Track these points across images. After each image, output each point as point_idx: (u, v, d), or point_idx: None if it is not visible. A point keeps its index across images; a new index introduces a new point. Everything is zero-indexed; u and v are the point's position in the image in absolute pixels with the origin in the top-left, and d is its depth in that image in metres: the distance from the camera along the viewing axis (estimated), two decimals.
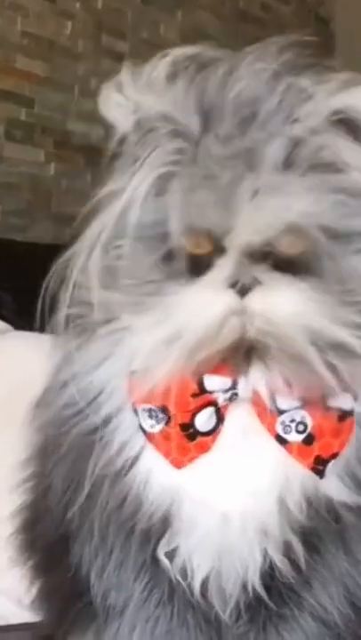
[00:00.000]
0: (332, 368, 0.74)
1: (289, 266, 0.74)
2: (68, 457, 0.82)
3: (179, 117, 0.76)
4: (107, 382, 0.80)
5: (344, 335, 0.73)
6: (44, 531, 0.88)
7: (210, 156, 0.74)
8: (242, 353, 0.76)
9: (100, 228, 0.77)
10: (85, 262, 0.77)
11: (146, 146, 0.76)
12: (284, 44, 0.80)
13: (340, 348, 0.73)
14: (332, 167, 0.75)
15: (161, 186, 0.75)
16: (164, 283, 0.75)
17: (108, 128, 0.79)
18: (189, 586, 0.81)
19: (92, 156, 3.17)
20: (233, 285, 0.73)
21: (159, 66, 0.78)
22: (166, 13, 3.45)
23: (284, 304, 0.73)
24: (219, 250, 0.74)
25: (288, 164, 0.74)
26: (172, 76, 0.77)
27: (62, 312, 0.78)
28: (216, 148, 0.74)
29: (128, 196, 0.75)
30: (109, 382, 0.80)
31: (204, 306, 0.73)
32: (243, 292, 0.73)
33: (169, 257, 0.76)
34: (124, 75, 0.77)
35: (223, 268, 0.74)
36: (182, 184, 0.73)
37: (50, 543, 0.88)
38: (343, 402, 0.78)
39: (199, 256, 0.75)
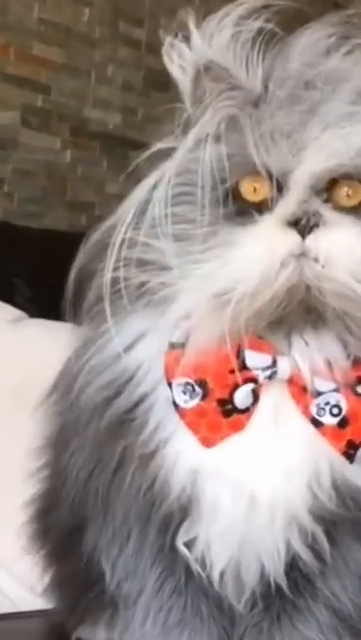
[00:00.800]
0: None
1: (351, 211, 0.73)
2: (92, 442, 0.81)
3: (242, 69, 0.75)
4: (145, 358, 0.78)
5: None
6: (58, 520, 0.88)
7: (275, 95, 0.73)
8: (296, 312, 0.74)
9: (152, 181, 0.75)
10: (136, 217, 0.75)
11: (209, 95, 0.75)
12: (343, 17, 0.79)
13: None
14: None
15: (225, 129, 0.73)
16: (221, 226, 0.73)
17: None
18: (208, 576, 0.80)
19: (108, 144, 3.17)
20: (296, 223, 0.71)
21: (226, 17, 0.76)
22: (184, 0, 3.43)
23: (346, 247, 0.71)
24: (280, 192, 0.72)
25: (357, 102, 0.73)
26: (238, 29, 0.76)
27: (108, 274, 0.76)
28: (281, 89, 0.73)
29: (195, 135, 0.74)
30: (148, 358, 0.78)
31: (264, 247, 0.71)
32: (305, 230, 0.71)
33: (229, 202, 0.74)
34: (191, 24, 0.76)
35: (286, 206, 0.72)
36: (249, 122, 0.72)
37: (63, 532, 0.88)
38: None
39: (258, 202, 0.73)
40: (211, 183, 0.73)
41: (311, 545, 0.79)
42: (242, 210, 0.73)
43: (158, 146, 0.77)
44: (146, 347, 0.78)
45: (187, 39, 0.76)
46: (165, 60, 0.77)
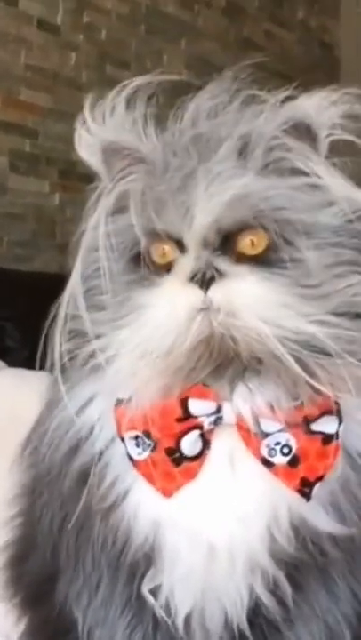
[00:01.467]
0: (306, 367, 0.73)
1: (251, 260, 0.75)
2: (60, 495, 0.82)
3: (139, 145, 0.79)
4: (98, 418, 0.80)
5: (313, 330, 0.73)
6: (31, 568, 0.89)
7: (164, 170, 0.76)
8: (217, 364, 0.76)
9: (78, 259, 0.79)
10: (72, 291, 0.79)
11: (112, 173, 0.80)
12: (239, 72, 0.82)
13: (311, 345, 0.73)
14: (283, 166, 0.77)
15: (125, 201, 0.77)
16: (133, 292, 0.77)
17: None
18: (173, 623, 0.80)
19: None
20: (194, 278, 0.74)
21: (117, 97, 0.80)
22: (170, 43, 3.47)
23: (246, 294, 0.74)
24: (181, 252, 0.75)
25: (241, 158, 0.76)
26: (130, 106, 0.80)
27: (57, 349, 0.79)
28: (165, 153, 0.77)
29: (96, 216, 0.79)
30: (100, 418, 0.80)
31: (168, 304, 0.74)
32: (205, 284, 0.74)
33: (139, 268, 0.77)
34: (86, 111, 0.80)
35: (185, 264, 0.75)
36: (142, 195, 0.76)
37: (36, 580, 0.89)
38: (326, 425, 0.78)
39: (167, 264, 0.76)
40: (116, 255, 0.78)
41: (273, 590, 0.79)
42: (151, 274, 0.77)
43: (84, 227, 0.81)
44: (96, 408, 0.80)
45: (87, 127, 0.80)
46: (77, 150, 0.82)
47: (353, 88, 0.79)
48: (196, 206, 0.74)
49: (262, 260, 0.75)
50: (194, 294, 0.73)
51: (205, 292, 0.73)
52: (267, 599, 0.79)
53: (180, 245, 0.75)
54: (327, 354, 0.73)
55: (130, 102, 0.80)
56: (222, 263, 0.75)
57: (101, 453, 0.80)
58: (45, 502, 0.84)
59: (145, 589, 0.80)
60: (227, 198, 0.73)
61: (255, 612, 0.80)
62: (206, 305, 0.73)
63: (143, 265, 0.77)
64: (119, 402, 0.78)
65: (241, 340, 0.74)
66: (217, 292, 0.73)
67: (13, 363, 1.71)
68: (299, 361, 0.73)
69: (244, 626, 0.80)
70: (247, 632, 0.80)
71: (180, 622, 0.80)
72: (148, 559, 0.79)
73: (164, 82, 0.81)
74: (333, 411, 0.77)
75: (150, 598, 0.80)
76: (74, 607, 0.84)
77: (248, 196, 0.74)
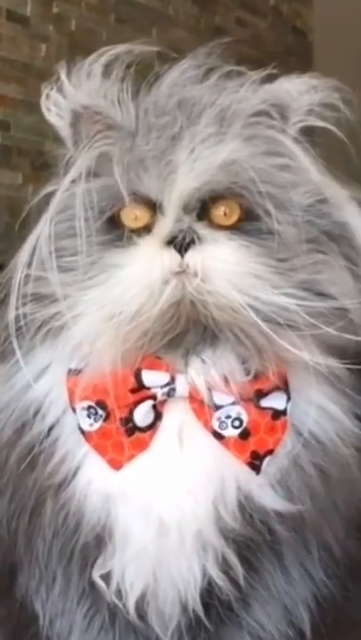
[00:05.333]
0: (268, 338, 0.74)
1: (229, 228, 0.76)
2: (10, 481, 0.81)
3: (114, 109, 0.79)
4: (49, 391, 0.80)
5: (285, 301, 0.74)
6: None
7: (142, 127, 0.77)
8: (191, 332, 0.76)
9: (45, 219, 0.78)
10: (33, 253, 0.78)
11: (84, 136, 0.79)
12: (213, 49, 0.82)
13: (279, 316, 0.74)
14: (258, 143, 0.77)
15: (101, 164, 0.77)
16: (104, 253, 0.76)
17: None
18: (125, 607, 0.80)
19: None
20: (173, 242, 0.74)
21: (94, 63, 0.80)
22: (141, 32, 3.43)
23: (223, 260, 0.74)
24: (157, 214, 0.76)
25: (221, 124, 0.77)
26: (107, 73, 0.80)
27: (12, 313, 0.77)
28: (146, 119, 0.77)
29: (71, 175, 0.77)
30: (52, 390, 0.80)
31: (144, 266, 0.74)
32: (183, 248, 0.74)
33: (110, 230, 0.77)
34: (62, 74, 0.81)
35: (163, 227, 0.75)
36: (122, 157, 0.76)
37: None
38: (276, 401, 0.79)
39: (140, 228, 0.76)
40: (90, 215, 0.77)
41: (226, 570, 0.79)
42: (123, 236, 0.76)
43: (47, 189, 0.81)
44: (50, 378, 0.80)
45: (60, 88, 0.81)
46: (43, 110, 0.81)
47: (331, 78, 0.80)
48: (180, 169, 0.73)
49: (240, 229, 0.76)
50: (170, 257, 0.74)
51: (182, 256, 0.74)
52: (219, 579, 0.79)
53: (158, 208, 0.75)
54: (294, 326, 0.74)
55: (107, 69, 0.80)
56: (202, 228, 0.75)
57: (51, 428, 0.79)
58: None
59: (96, 575, 0.80)
60: (216, 163, 0.73)
61: (210, 593, 0.80)
62: (182, 268, 0.73)
63: (116, 227, 0.77)
64: (72, 372, 0.78)
65: (212, 305, 0.74)
66: (195, 256, 0.74)
67: None
68: (268, 330, 0.74)
69: (199, 608, 0.80)
70: (202, 615, 0.80)
71: (131, 606, 0.80)
72: (99, 541, 0.79)
73: (140, 54, 0.81)
74: (283, 388, 0.78)
75: (101, 583, 0.80)
76: (34, 600, 0.84)
77: (235, 163, 0.74)
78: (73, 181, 0.77)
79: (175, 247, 0.74)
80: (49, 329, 0.77)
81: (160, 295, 0.73)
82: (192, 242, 0.74)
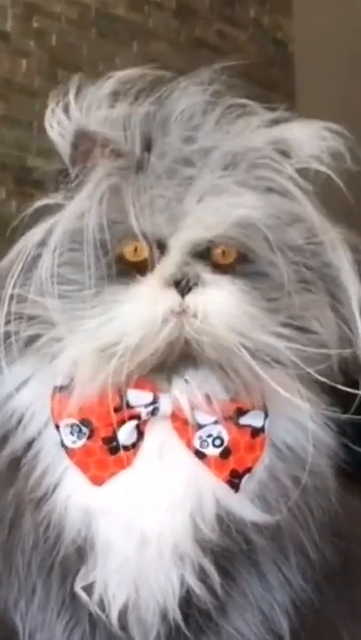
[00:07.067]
0: (255, 374, 0.77)
1: (227, 270, 0.78)
2: None
3: (120, 138, 0.79)
4: (30, 403, 0.81)
5: (274, 341, 0.77)
6: None
7: (155, 168, 0.78)
8: (172, 359, 0.78)
9: (38, 237, 0.79)
10: (23, 273, 0.79)
11: (89, 163, 0.80)
12: (217, 70, 0.84)
13: (267, 355, 0.77)
14: (262, 183, 0.80)
15: (108, 195, 0.78)
16: (105, 287, 0.77)
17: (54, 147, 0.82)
18: (108, 617, 0.81)
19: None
20: (176, 284, 0.76)
21: (103, 87, 0.81)
22: (122, 45, 3.44)
23: (223, 304, 0.76)
24: (160, 253, 0.77)
25: (231, 167, 0.79)
26: (115, 98, 0.81)
27: (0, 329, 0.78)
28: (160, 161, 0.78)
29: (78, 205, 0.78)
30: (33, 403, 0.81)
31: (146, 304, 0.76)
32: (185, 290, 0.76)
33: (110, 263, 0.78)
34: (71, 95, 0.81)
35: (166, 267, 0.77)
36: (130, 192, 0.76)
37: None
38: (254, 419, 0.81)
39: (138, 262, 0.78)
40: (95, 247, 0.77)
41: (204, 579, 0.81)
42: (124, 271, 0.78)
43: (44, 201, 0.82)
44: (29, 392, 0.81)
45: (65, 107, 0.81)
46: (46, 126, 0.82)
47: (339, 126, 0.83)
48: (191, 217, 0.76)
49: (236, 269, 0.78)
50: (172, 298, 0.76)
51: (183, 297, 0.76)
52: (198, 588, 0.80)
53: (161, 246, 0.77)
54: (281, 364, 0.78)
55: (115, 94, 0.81)
56: (203, 271, 0.77)
57: (32, 441, 0.81)
58: None
59: (78, 587, 0.80)
60: (230, 219, 0.76)
61: (188, 602, 0.81)
62: (182, 308, 0.76)
63: (117, 260, 0.78)
64: (57, 389, 0.79)
65: (207, 345, 0.76)
66: (196, 298, 0.76)
67: None
68: (258, 369, 0.77)
69: (179, 617, 0.81)
70: (182, 624, 0.81)
71: (114, 616, 0.80)
72: (81, 553, 0.80)
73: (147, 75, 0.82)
74: (260, 406, 0.80)
75: (83, 594, 0.81)
76: (13, 613, 0.84)
77: (249, 221, 0.76)
78: (81, 210, 0.78)
79: (177, 288, 0.76)
80: (37, 347, 0.79)
81: (159, 333, 0.76)
82: (195, 284, 0.77)
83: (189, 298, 0.76)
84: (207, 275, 0.77)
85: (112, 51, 3.40)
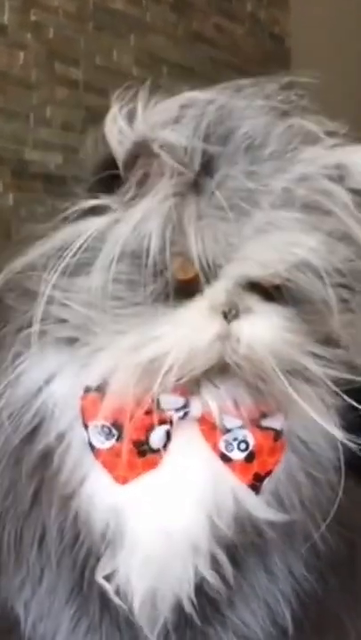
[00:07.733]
0: (288, 395, 0.79)
1: (271, 297, 0.79)
2: (11, 479, 0.82)
3: (181, 154, 0.78)
4: (58, 398, 0.81)
5: (309, 363, 0.79)
6: None
7: (215, 196, 0.77)
8: (208, 374, 0.80)
9: (86, 242, 0.78)
10: (66, 277, 0.78)
11: (146, 175, 0.79)
12: (282, 84, 0.84)
13: (301, 375, 0.79)
14: (317, 210, 0.79)
15: (170, 217, 0.77)
16: (151, 305, 0.78)
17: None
18: (130, 608, 0.83)
19: (51, 184, 3.15)
20: (224, 312, 0.77)
21: (170, 103, 0.79)
22: (119, 38, 3.44)
23: (268, 334, 0.78)
24: (207, 277, 0.78)
25: (289, 202, 0.78)
26: (181, 114, 0.79)
27: (35, 327, 0.79)
28: (221, 191, 0.77)
29: (138, 222, 0.77)
30: (61, 398, 0.81)
31: (194, 330, 0.77)
32: (232, 318, 0.77)
33: (158, 282, 0.79)
34: (139, 104, 0.79)
35: (216, 295, 0.78)
36: (190, 214, 0.76)
37: None
38: (275, 422, 0.83)
39: (186, 282, 0.78)
40: (153, 267, 0.78)
41: (217, 569, 0.83)
42: (171, 290, 0.79)
43: (92, 202, 0.81)
44: (60, 385, 0.81)
45: (129, 115, 0.79)
46: (106, 129, 0.80)
47: None
48: (249, 253, 0.76)
49: (282, 292, 0.80)
50: (220, 325, 0.77)
51: (229, 323, 0.77)
52: (210, 576, 0.83)
53: (212, 272, 0.78)
54: (311, 381, 0.80)
55: (181, 114, 0.79)
56: (250, 299, 0.78)
57: (61, 437, 0.82)
58: None
59: (99, 576, 0.82)
60: (290, 261, 0.76)
61: (199, 592, 0.83)
62: (227, 334, 0.77)
63: (163, 279, 0.79)
64: (88, 389, 0.80)
65: (247, 369, 0.78)
66: (242, 326, 0.77)
67: None
68: (292, 391, 0.79)
69: (190, 607, 0.83)
70: (193, 613, 0.83)
71: (136, 606, 0.82)
72: (105, 546, 0.81)
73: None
74: (282, 409, 0.83)
75: (106, 584, 0.82)
76: (16, 603, 0.85)
77: (309, 266, 0.77)
78: (141, 229, 0.78)
79: (224, 316, 0.78)
80: (62, 346, 0.80)
81: (203, 356, 0.77)
82: (242, 312, 0.78)
83: (235, 325, 0.78)
84: (253, 303, 0.79)
85: (109, 44, 3.41)
